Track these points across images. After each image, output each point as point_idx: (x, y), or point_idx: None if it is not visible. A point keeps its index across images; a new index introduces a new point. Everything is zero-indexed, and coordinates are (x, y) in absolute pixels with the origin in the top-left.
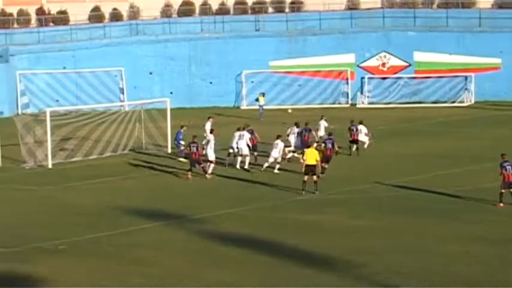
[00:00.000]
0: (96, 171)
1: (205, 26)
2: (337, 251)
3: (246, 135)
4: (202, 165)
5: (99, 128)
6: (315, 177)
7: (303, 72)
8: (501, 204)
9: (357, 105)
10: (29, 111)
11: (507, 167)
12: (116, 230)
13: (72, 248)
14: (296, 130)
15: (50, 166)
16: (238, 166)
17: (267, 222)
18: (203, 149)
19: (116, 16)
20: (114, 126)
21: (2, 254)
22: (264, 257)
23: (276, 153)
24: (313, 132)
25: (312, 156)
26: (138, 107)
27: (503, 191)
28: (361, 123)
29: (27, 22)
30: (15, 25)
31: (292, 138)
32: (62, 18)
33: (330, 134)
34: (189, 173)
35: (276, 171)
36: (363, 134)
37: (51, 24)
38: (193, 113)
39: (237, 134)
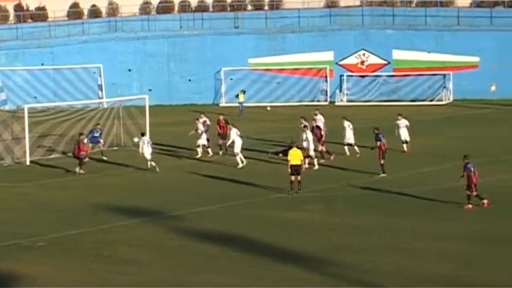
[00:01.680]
0: (74, 169)
1: (184, 23)
2: (315, 248)
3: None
4: (83, 161)
5: (78, 125)
6: (299, 178)
7: (282, 70)
8: (469, 206)
9: (336, 103)
10: (6, 107)
11: (471, 168)
12: (94, 227)
13: (50, 245)
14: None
15: (27, 163)
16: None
17: (243, 219)
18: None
19: (94, 13)
20: (93, 123)
21: None
22: (242, 254)
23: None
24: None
25: (296, 156)
26: (117, 104)
27: (468, 192)
28: (344, 118)
29: (5, 18)
30: None
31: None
32: (40, 15)
33: (377, 129)
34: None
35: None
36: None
37: (30, 20)
38: (172, 110)
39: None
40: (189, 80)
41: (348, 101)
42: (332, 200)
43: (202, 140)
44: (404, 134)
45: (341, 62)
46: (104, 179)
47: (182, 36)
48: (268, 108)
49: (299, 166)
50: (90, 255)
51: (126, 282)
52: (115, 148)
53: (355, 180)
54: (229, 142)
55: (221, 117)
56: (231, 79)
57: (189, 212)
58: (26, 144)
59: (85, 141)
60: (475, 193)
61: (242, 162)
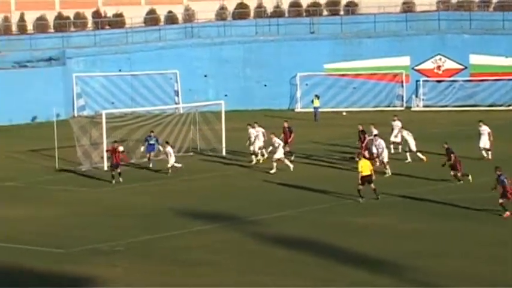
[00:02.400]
0: (151, 174)
1: (260, 28)
2: (389, 254)
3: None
4: (119, 171)
5: (154, 130)
6: (372, 186)
7: (357, 75)
8: (508, 213)
9: (412, 109)
10: (85, 113)
11: (505, 180)
12: (171, 231)
13: (128, 250)
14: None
15: (105, 168)
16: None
17: (319, 224)
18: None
19: (171, 19)
20: (169, 129)
21: (60, 255)
22: (318, 259)
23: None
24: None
25: (366, 167)
26: (193, 110)
27: (501, 201)
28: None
29: (83, 25)
30: (72, 28)
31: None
32: (117, 21)
33: (446, 143)
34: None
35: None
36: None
37: (107, 27)
38: (247, 116)
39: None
40: (265, 86)
41: (424, 106)
42: (407, 206)
43: (253, 147)
44: (484, 142)
45: (417, 67)
46: (181, 184)
47: (258, 42)
48: (344, 114)
49: (370, 176)
50: (167, 259)
51: (200, 285)
52: (190, 154)
53: (426, 187)
54: (270, 148)
55: (285, 124)
56: (307, 84)
57: (263, 218)
58: (104, 149)
59: (121, 148)
60: None
61: (277, 169)
